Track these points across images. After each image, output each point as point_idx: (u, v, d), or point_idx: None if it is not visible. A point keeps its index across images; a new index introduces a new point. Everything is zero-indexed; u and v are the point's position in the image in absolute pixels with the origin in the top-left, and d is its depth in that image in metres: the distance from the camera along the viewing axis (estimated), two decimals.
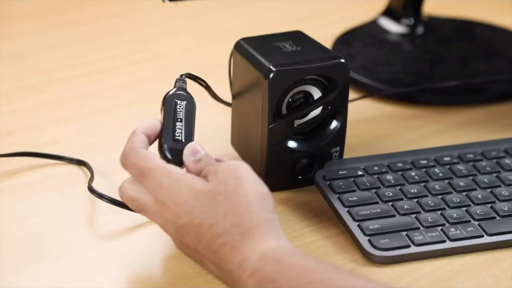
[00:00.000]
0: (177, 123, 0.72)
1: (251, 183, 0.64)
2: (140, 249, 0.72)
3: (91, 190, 0.76)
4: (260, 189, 0.64)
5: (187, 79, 0.76)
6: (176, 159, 0.70)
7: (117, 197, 0.77)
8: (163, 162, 0.67)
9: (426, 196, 0.76)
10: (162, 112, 0.73)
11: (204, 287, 0.67)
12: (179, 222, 0.64)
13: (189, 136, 0.71)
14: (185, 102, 0.73)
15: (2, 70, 1.03)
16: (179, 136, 0.71)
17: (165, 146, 0.70)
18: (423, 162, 0.81)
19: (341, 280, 0.58)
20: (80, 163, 0.83)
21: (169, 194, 0.65)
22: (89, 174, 0.81)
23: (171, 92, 0.74)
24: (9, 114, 0.93)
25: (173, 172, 0.66)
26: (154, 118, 0.72)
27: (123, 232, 0.74)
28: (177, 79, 0.76)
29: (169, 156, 0.70)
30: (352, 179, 0.78)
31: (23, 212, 0.76)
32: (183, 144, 0.70)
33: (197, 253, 0.64)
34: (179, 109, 0.73)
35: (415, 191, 0.77)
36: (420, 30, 1.07)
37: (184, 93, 0.74)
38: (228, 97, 0.85)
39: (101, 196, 0.75)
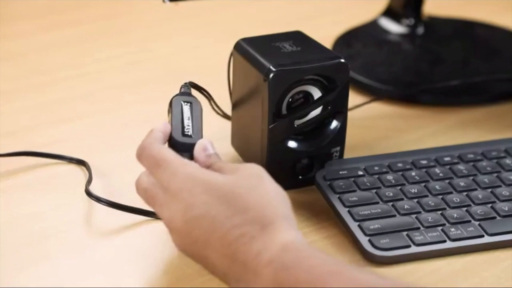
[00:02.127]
0: (186, 121, 0.73)
1: (272, 183, 0.66)
2: (140, 249, 0.72)
3: (88, 193, 0.76)
4: (280, 190, 0.66)
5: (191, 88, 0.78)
6: (187, 153, 0.70)
7: (116, 198, 0.77)
8: (179, 155, 0.68)
9: (427, 196, 0.76)
10: (170, 114, 0.74)
11: (204, 287, 0.67)
12: (191, 213, 0.64)
13: (198, 132, 0.72)
14: (191, 103, 0.74)
15: (3, 70, 1.03)
16: (188, 131, 0.72)
17: (176, 140, 0.71)
18: (424, 162, 0.81)
19: (355, 274, 0.58)
20: (80, 162, 0.83)
21: (184, 184, 0.65)
22: (89, 175, 0.81)
23: (177, 95, 0.75)
24: (9, 114, 0.93)
25: (188, 164, 0.67)
26: (166, 121, 0.73)
27: (123, 233, 0.74)
28: (182, 86, 0.77)
29: (180, 149, 0.70)
30: (353, 179, 0.78)
31: (23, 212, 0.76)
32: (193, 139, 0.71)
33: (203, 247, 0.63)
34: (186, 108, 0.74)
35: (416, 191, 0.77)
36: (420, 30, 1.07)
37: (190, 96, 0.76)
38: (228, 97, 0.85)
39: (98, 199, 0.75)
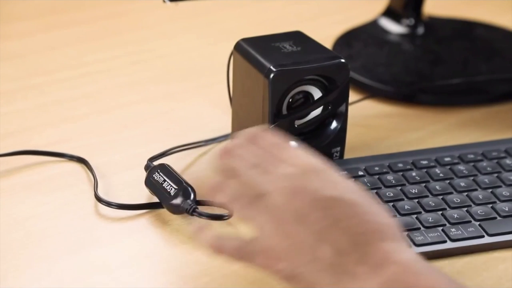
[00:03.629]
0: (164, 185, 0.75)
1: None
2: (140, 249, 0.72)
3: (98, 199, 0.76)
4: None
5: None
6: (188, 205, 0.73)
7: (115, 198, 0.77)
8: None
9: (427, 196, 0.76)
10: (154, 194, 0.76)
11: (204, 287, 0.68)
12: (331, 193, 0.59)
13: (180, 182, 0.75)
14: (156, 171, 0.76)
15: (2, 70, 1.03)
16: (171, 190, 0.74)
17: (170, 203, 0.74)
18: (424, 162, 0.81)
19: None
20: (80, 160, 0.83)
21: (323, 168, 0.62)
22: (90, 174, 0.81)
23: (146, 178, 0.77)
24: (9, 114, 0.93)
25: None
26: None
27: (123, 232, 0.74)
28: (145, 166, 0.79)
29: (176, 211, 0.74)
30: (353, 179, 0.78)
31: (23, 212, 0.76)
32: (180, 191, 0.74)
33: (334, 227, 0.58)
34: (156, 177, 0.76)
35: (416, 191, 0.77)
36: (420, 30, 1.07)
37: (152, 167, 0.78)
38: (227, 97, 0.85)
39: (109, 204, 0.76)
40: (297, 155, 0.63)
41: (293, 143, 0.65)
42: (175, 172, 0.76)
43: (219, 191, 0.63)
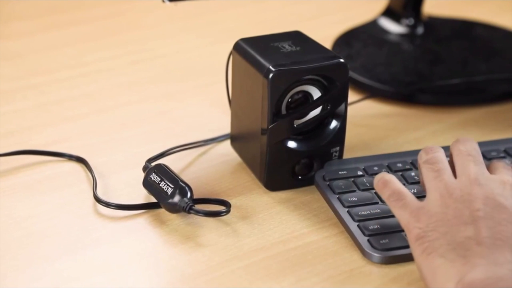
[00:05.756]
0: (161, 184, 0.75)
1: None
2: (138, 249, 0.72)
3: (97, 199, 0.76)
4: None
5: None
6: (185, 203, 0.74)
7: (116, 198, 0.77)
8: None
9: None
10: (151, 194, 0.76)
11: (204, 287, 0.68)
12: (504, 202, 0.65)
13: (176, 181, 0.75)
14: (153, 172, 0.77)
15: (2, 70, 1.03)
16: (167, 189, 0.74)
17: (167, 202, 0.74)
18: None
19: None
20: (79, 160, 0.83)
21: None
22: (89, 174, 0.81)
23: (143, 179, 0.78)
24: (9, 114, 0.93)
25: None
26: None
27: (123, 232, 0.74)
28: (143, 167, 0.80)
29: (173, 210, 0.74)
30: (352, 179, 0.78)
31: (23, 212, 0.76)
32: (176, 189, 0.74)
33: (487, 220, 0.64)
34: (153, 178, 0.76)
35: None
36: (420, 30, 1.07)
37: (149, 168, 0.78)
38: (226, 97, 0.85)
39: (107, 204, 0.76)
40: (503, 171, 0.71)
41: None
42: (172, 171, 0.76)
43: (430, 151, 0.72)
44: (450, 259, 0.62)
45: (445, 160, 0.71)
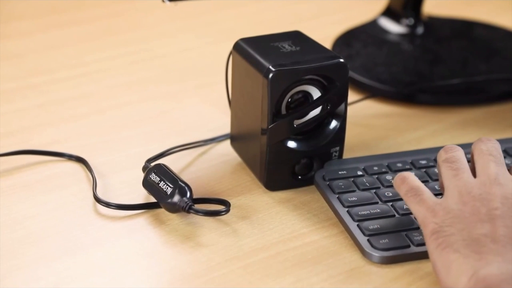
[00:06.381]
0: (161, 184, 0.75)
1: None
2: (140, 249, 0.72)
3: (97, 199, 0.76)
4: None
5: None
6: (184, 203, 0.73)
7: (116, 198, 0.77)
8: None
9: None
10: (151, 194, 0.76)
11: (204, 287, 0.68)
12: None
13: (175, 181, 0.75)
14: (153, 172, 0.77)
15: (2, 70, 1.03)
16: (167, 189, 0.74)
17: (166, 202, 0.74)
18: (423, 162, 0.81)
19: None
20: (79, 160, 0.83)
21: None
22: (89, 174, 0.81)
23: (143, 179, 0.77)
24: (9, 114, 0.93)
25: None
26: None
27: (123, 232, 0.74)
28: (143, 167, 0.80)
29: (173, 210, 0.74)
30: (352, 179, 0.78)
31: (23, 212, 0.76)
32: (175, 188, 0.74)
33: (504, 219, 0.64)
34: (153, 178, 0.76)
35: None
36: (420, 30, 1.07)
37: (149, 168, 0.78)
38: (226, 97, 0.85)
39: (107, 204, 0.76)
40: None
41: None
42: (171, 171, 0.76)
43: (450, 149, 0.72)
44: (465, 254, 0.62)
45: (464, 160, 0.71)
